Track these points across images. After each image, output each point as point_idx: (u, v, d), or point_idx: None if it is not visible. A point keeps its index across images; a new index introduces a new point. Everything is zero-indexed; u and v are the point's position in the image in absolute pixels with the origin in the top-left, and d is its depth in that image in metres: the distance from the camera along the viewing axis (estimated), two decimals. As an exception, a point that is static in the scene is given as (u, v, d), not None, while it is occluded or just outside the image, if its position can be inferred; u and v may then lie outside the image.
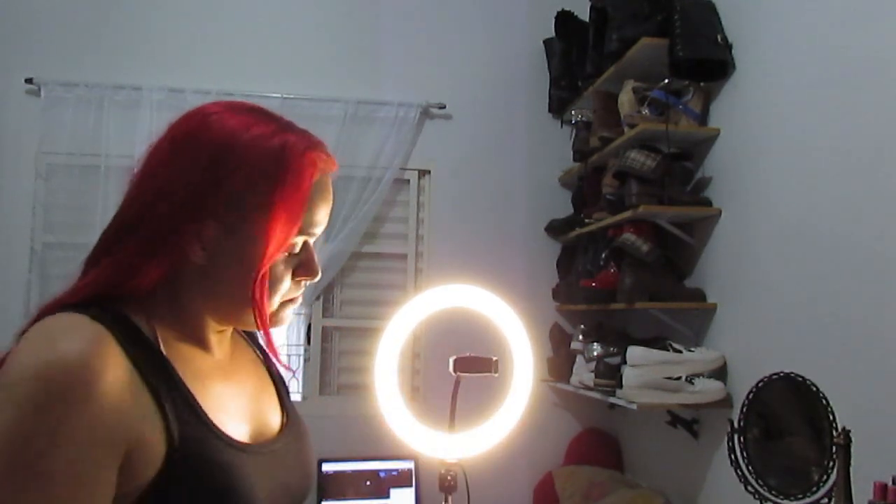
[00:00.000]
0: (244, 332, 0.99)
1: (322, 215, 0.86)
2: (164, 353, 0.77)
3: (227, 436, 0.80)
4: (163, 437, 0.73)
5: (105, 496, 0.69)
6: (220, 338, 0.89)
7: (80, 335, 0.70)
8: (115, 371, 0.70)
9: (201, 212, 0.78)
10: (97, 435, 0.67)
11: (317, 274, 0.88)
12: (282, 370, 1.01)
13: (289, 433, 0.94)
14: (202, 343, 0.85)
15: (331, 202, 0.88)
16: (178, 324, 0.82)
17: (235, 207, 0.79)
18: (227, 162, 0.78)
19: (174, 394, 0.75)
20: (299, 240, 0.85)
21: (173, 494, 0.73)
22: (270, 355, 0.96)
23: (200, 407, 0.78)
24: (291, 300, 0.88)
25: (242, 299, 0.81)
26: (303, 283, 0.88)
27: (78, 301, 0.75)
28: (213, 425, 0.78)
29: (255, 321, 0.82)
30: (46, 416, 0.65)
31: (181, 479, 0.73)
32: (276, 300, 0.85)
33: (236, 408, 0.86)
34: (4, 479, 0.64)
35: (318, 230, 0.87)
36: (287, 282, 0.85)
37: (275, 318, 0.86)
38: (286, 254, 0.84)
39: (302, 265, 0.86)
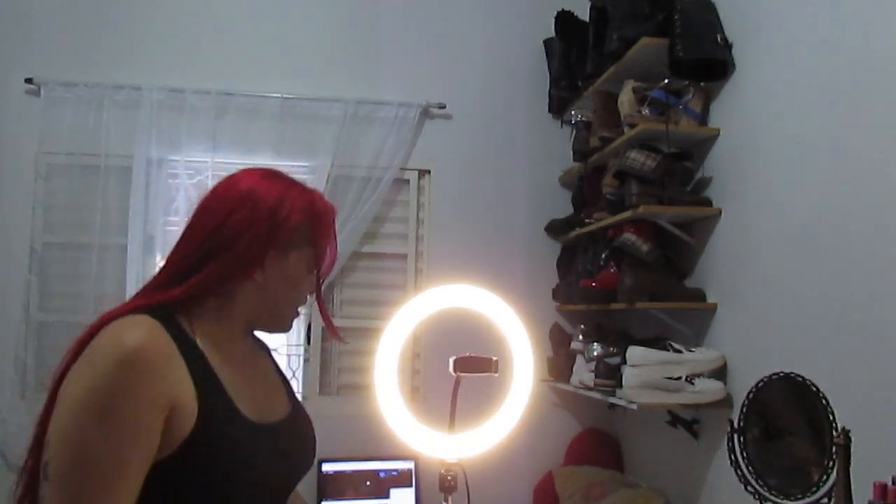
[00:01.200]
0: (256, 339, 1.28)
1: (331, 246, 1.25)
2: (200, 346, 1.06)
3: (240, 411, 1.07)
4: (195, 403, 1.00)
5: (151, 444, 0.96)
6: (244, 340, 1.20)
7: (143, 329, 0.99)
8: (165, 354, 0.99)
9: (265, 248, 1.12)
10: (150, 395, 0.95)
11: (320, 290, 1.25)
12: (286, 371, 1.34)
13: (292, 417, 1.25)
14: (232, 342, 1.14)
15: (335, 240, 1.28)
16: (217, 326, 1.12)
17: (286, 245, 1.14)
18: (279, 215, 1.13)
19: (205, 374, 1.04)
20: (317, 262, 1.21)
21: (198, 447, 0.99)
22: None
23: (223, 386, 1.06)
24: (297, 313, 1.23)
25: (284, 307, 1.19)
26: (308, 293, 1.22)
27: (155, 306, 1.06)
28: (231, 400, 1.06)
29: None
30: (119, 380, 0.94)
31: (205, 437, 0.99)
32: (296, 305, 1.21)
33: (250, 392, 1.12)
34: (87, 421, 0.92)
35: (326, 261, 1.24)
36: (303, 293, 1.21)
37: (285, 322, 1.21)
38: (308, 272, 1.19)
39: (312, 281, 1.22)
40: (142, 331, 0.98)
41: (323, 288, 1.26)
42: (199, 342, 1.06)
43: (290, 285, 1.16)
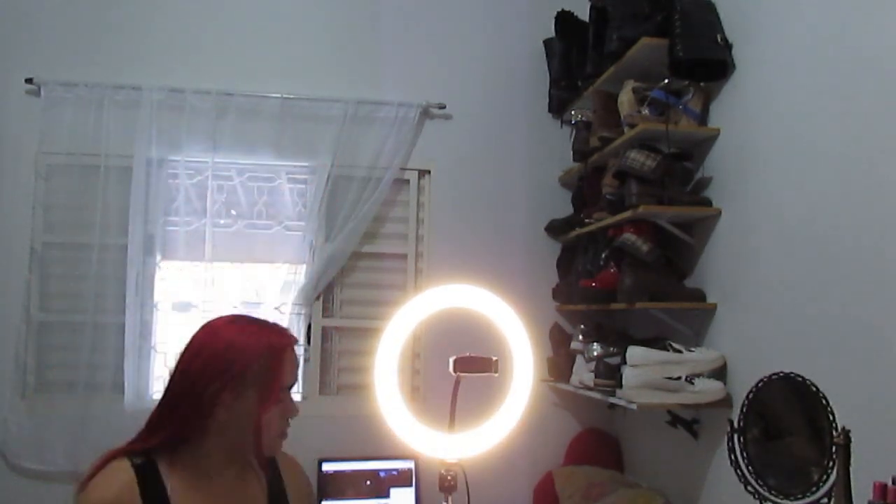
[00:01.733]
0: (266, 471, 1.42)
1: (292, 375, 1.35)
2: (170, 492, 1.26)
3: None
4: None
5: None
6: (229, 470, 1.34)
7: (117, 484, 1.25)
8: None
9: (222, 387, 1.26)
10: None
11: (297, 412, 1.36)
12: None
13: None
14: (209, 478, 1.31)
15: (296, 361, 1.37)
16: (193, 465, 1.29)
17: (243, 385, 1.27)
18: (228, 359, 1.27)
19: None
20: (283, 394, 1.33)
21: None
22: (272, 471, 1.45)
23: None
24: (283, 433, 1.36)
25: (249, 437, 1.30)
26: (289, 419, 1.35)
27: (139, 449, 1.29)
28: None
29: (254, 447, 1.32)
30: None
31: None
32: (274, 435, 1.33)
33: None
34: None
35: (290, 385, 1.35)
36: (278, 421, 1.33)
37: (272, 447, 1.34)
38: (275, 404, 1.31)
39: (287, 407, 1.34)
40: (116, 485, 1.24)
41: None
42: (169, 488, 1.26)
43: (268, 421, 1.30)
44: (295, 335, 1.40)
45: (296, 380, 1.38)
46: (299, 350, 2.91)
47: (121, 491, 1.23)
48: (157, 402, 1.33)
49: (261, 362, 1.29)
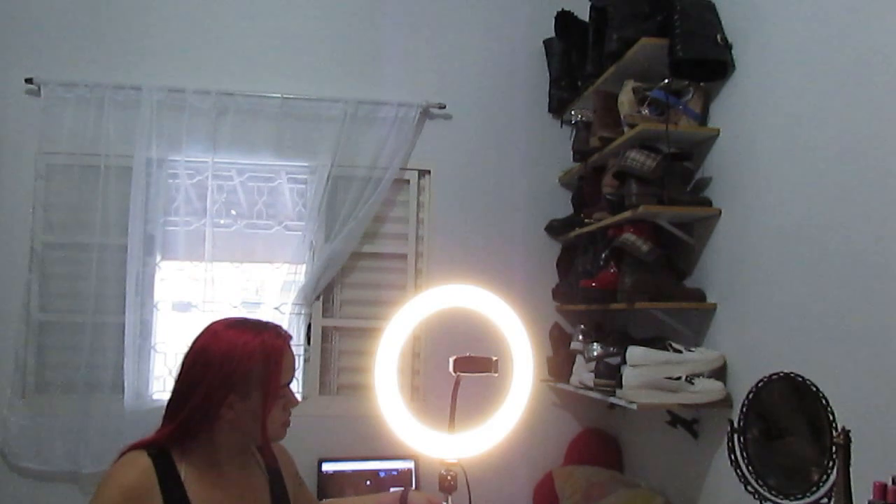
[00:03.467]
0: (263, 457, 1.50)
1: (290, 372, 1.44)
2: (184, 478, 1.35)
3: None
4: None
5: None
6: (235, 461, 1.43)
7: (136, 470, 1.33)
8: (147, 489, 1.31)
9: (224, 394, 1.35)
10: None
11: (297, 402, 1.46)
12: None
13: None
14: (218, 467, 1.40)
15: (293, 359, 1.46)
16: (204, 456, 1.38)
17: (247, 387, 1.36)
18: (230, 364, 1.35)
19: (176, 497, 1.33)
20: (284, 390, 1.42)
21: None
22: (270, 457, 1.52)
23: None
24: (286, 422, 1.44)
25: (265, 431, 1.39)
26: (290, 409, 1.45)
27: (151, 443, 1.37)
28: None
29: (260, 438, 1.41)
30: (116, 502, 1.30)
31: None
32: (277, 426, 1.42)
33: None
34: None
35: (290, 380, 1.44)
36: (281, 413, 1.42)
37: (277, 436, 1.43)
38: (276, 399, 1.39)
39: (289, 401, 1.44)
40: (135, 472, 1.32)
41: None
42: (183, 474, 1.35)
43: (272, 419, 1.39)
44: (290, 332, 1.48)
45: (294, 375, 1.47)
46: (297, 348, 2.96)
47: (139, 477, 1.31)
48: (164, 405, 1.41)
49: (262, 364, 1.37)
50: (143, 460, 1.33)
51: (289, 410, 1.44)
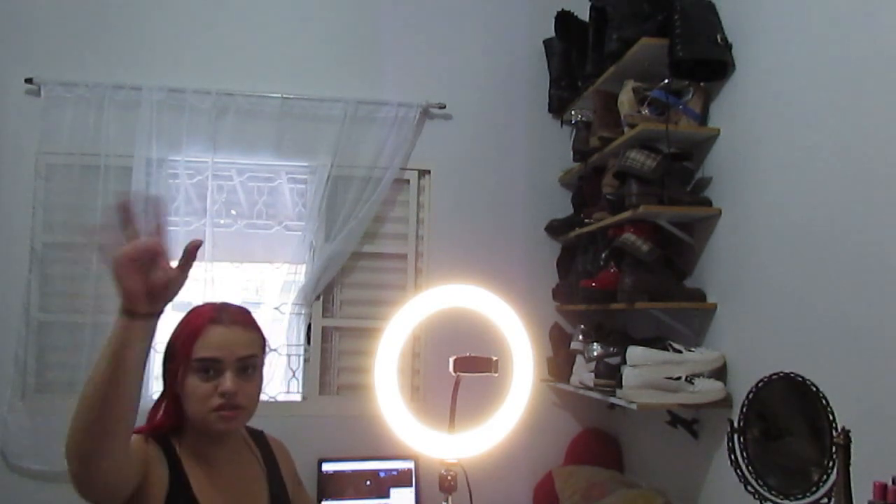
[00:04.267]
0: (259, 450, 1.53)
1: (210, 350, 1.37)
2: (182, 460, 1.37)
3: None
4: (164, 491, 1.32)
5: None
6: (225, 446, 1.44)
7: (141, 442, 1.34)
8: (156, 458, 1.34)
9: (166, 362, 1.41)
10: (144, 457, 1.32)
11: (230, 389, 1.36)
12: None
13: None
14: (210, 451, 1.41)
15: (216, 340, 1.39)
16: (196, 440, 1.40)
17: (174, 359, 1.39)
18: (172, 338, 1.42)
19: (179, 478, 1.35)
20: (199, 364, 1.37)
21: None
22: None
23: (192, 488, 1.35)
24: (218, 406, 1.36)
25: (199, 413, 1.37)
26: (225, 396, 1.36)
27: (150, 430, 1.40)
28: (195, 499, 1.35)
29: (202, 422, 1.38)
30: None
31: None
32: (207, 409, 1.36)
33: (223, 500, 1.39)
34: None
35: (208, 358, 1.37)
36: (210, 396, 1.36)
37: (210, 422, 1.37)
38: (200, 377, 1.37)
39: (218, 381, 1.37)
40: (142, 443, 1.33)
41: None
42: (181, 457, 1.37)
43: (190, 393, 1.37)
44: (230, 313, 1.43)
45: (217, 354, 1.38)
46: (297, 348, 2.95)
47: (148, 448, 1.34)
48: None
49: (182, 337, 1.39)
50: (145, 438, 1.36)
51: (221, 396, 1.36)
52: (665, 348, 2.13)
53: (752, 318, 2.00)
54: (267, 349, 1.49)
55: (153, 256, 1.12)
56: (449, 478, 1.55)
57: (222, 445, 1.44)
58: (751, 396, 1.47)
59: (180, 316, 1.49)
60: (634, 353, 2.14)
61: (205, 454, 1.41)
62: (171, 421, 1.40)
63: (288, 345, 2.93)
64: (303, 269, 2.90)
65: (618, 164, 2.30)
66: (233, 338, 1.40)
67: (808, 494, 1.35)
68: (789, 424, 1.47)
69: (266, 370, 1.49)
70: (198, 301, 2.73)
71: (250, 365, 1.41)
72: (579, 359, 2.60)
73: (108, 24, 2.89)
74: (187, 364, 1.36)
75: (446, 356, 1.60)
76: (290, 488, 1.54)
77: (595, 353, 2.42)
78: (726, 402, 2.07)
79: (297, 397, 2.95)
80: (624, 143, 2.37)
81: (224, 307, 1.44)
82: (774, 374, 1.45)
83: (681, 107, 2.25)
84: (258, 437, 1.57)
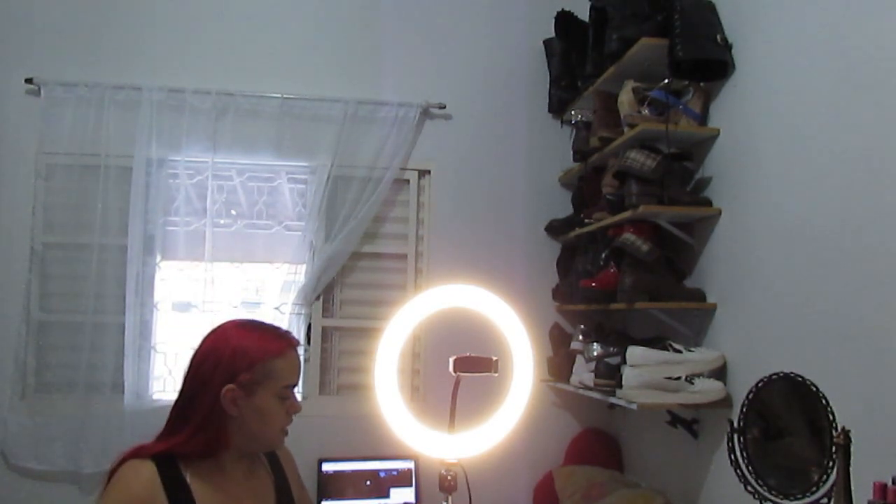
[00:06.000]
0: (267, 457, 1.52)
1: (294, 375, 1.44)
2: (189, 483, 1.35)
3: None
4: None
5: None
6: (239, 464, 1.43)
7: (144, 476, 1.32)
8: (153, 496, 1.31)
9: (233, 389, 1.36)
10: None
11: (300, 409, 1.45)
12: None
13: None
14: (222, 471, 1.40)
15: (298, 362, 1.46)
16: (208, 461, 1.38)
17: (251, 383, 1.37)
18: (235, 362, 1.37)
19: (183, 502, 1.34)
20: (285, 391, 1.42)
21: None
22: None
23: None
24: (285, 428, 1.44)
25: (266, 434, 1.42)
26: (292, 415, 1.44)
27: (156, 453, 1.35)
28: None
29: (264, 442, 1.44)
30: None
31: None
32: (278, 429, 1.42)
33: None
34: None
35: (293, 384, 1.44)
36: (283, 417, 1.42)
37: (276, 441, 1.45)
38: (280, 400, 1.41)
39: (291, 405, 1.43)
40: (139, 481, 1.31)
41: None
42: (188, 478, 1.35)
43: (264, 417, 1.39)
44: (297, 338, 1.48)
45: (298, 380, 1.46)
46: (301, 351, 2.95)
47: (145, 485, 1.31)
48: (164, 405, 1.44)
49: (266, 363, 1.38)
50: (147, 467, 1.33)
51: (290, 417, 1.44)
52: (665, 348, 2.13)
53: (752, 318, 2.00)
54: None
55: None
56: (449, 478, 1.56)
57: (242, 461, 1.44)
58: (751, 396, 1.47)
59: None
60: (634, 353, 2.14)
61: (220, 472, 1.40)
62: (201, 447, 1.36)
63: (288, 345, 2.93)
64: (303, 269, 2.90)
65: (618, 164, 2.30)
66: (300, 361, 1.48)
67: (808, 494, 1.35)
68: (789, 424, 1.47)
69: None
70: (198, 301, 2.79)
71: None
72: (579, 359, 2.60)
73: (108, 24, 2.89)
74: (273, 390, 1.38)
75: (446, 356, 1.60)
76: (295, 494, 1.54)
77: (595, 353, 2.42)
78: (726, 402, 2.07)
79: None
80: (624, 143, 2.37)
81: (282, 330, 1.48)
82: (774, 374, 1.45)
83: (681, 107, 2.25)
84: None
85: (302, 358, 2.87)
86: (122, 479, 1.32)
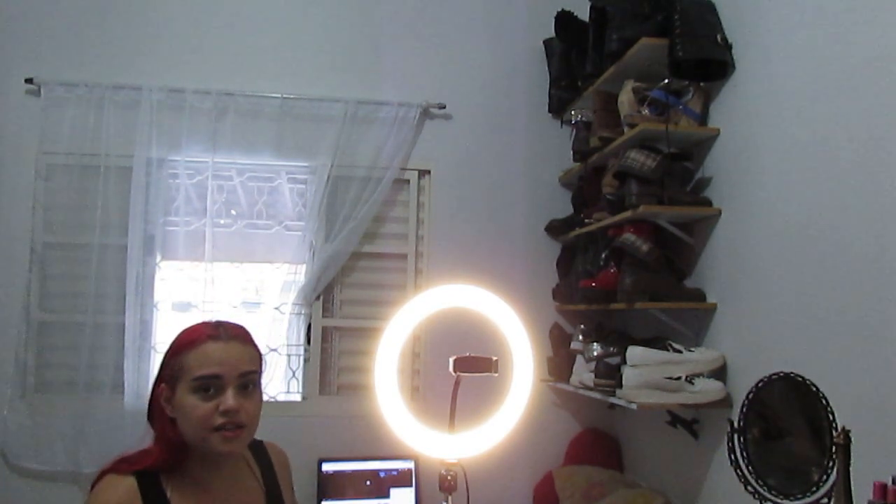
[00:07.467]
0: (259, 464, 1.46)
1: (208, 368, 1.30)
2: (170, 495, 1.30)
3: None
4: None
5: None
6: (220, 470, 1.36)
7: (120, 492, 1.27)
8: None
9: (158, 382, 1.34)
10: None
11: (232, 407, 1.29)
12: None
13: None
14: (201, 480, 1.34)
15: (214, 356, 1.32)
16: (186, 472, 1.32)
17: (171, 378, 1.32)
18: (166, 358, 1.35)
19: None
20: (199, 382, 1.30)
21: None
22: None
23: None
24: (221, 425, 1.29)
25: (198, 433, 1.29)
26: (226, 414, 1.29)
27: (133, 470, 1.31)
28: None
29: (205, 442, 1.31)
30: None
31: None
32: (208, 428, 1.29)
33: None
34: None
35: (205, 376, 1.30)
36: (211, 415, 1.29)
37: (212, 442, 1.29)
38: (197, 395, 1.30)
39: (220, 402, 1.30)
40: (120, 493, 1.27)
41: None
42: (169, 494, 1.30)
43: (187, 414, 1.29)
44: (228, 330, 1.36)
45: (213, 371, 1.31)
46: (297, 348, 2.95)
47: (122, 499, 1.27)
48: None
49: (179, 356, 1.32)
50: (126, 483, 1.28)
51: (221, 415, 1.29)
52: (665, 348, 2.13)
53: (751, 317, 2.00)
54: (264, 366, 1.42)
55: None
56: (449, 478, 1.56)
57: (220, 470, 1.36)
58: (751, 396, 1.47)
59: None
60: (634, 353, 2.14)
61: (202, 483, 1.34)
62: (165, 455, 1.31)
63: (288, 345, 2.93)
64: (303, 269, 2.90)
65: (618, 164, 2.30)
66: (233, 353, 1.33)
67: (808, 494, 1.35)
68: (789, 424, 1.47)
69: (266, 373, 1.47)
70: (198, 301, 2.79)
71: (251, 381, 1.34)
72: (579, 359, 2.60)
73: (108, 24, 2.89)
74: (185, 383, 1.30)
75: (446, 356, 1.60)
76: (287, 502, 1.48)
77: (595, 353, 2.43)
78: (726, 402, 2.07)
79: (297, 397, 2.96)
80: (624, 143, 2.37)
81: (220, 323, 1.37)
82: (774, 374, 1.45)
83: (681, 107, 2.25)
84: (257, 448, 1.48)
85: (302, 358, 2.93)
86: (99, 495, 1.28)
